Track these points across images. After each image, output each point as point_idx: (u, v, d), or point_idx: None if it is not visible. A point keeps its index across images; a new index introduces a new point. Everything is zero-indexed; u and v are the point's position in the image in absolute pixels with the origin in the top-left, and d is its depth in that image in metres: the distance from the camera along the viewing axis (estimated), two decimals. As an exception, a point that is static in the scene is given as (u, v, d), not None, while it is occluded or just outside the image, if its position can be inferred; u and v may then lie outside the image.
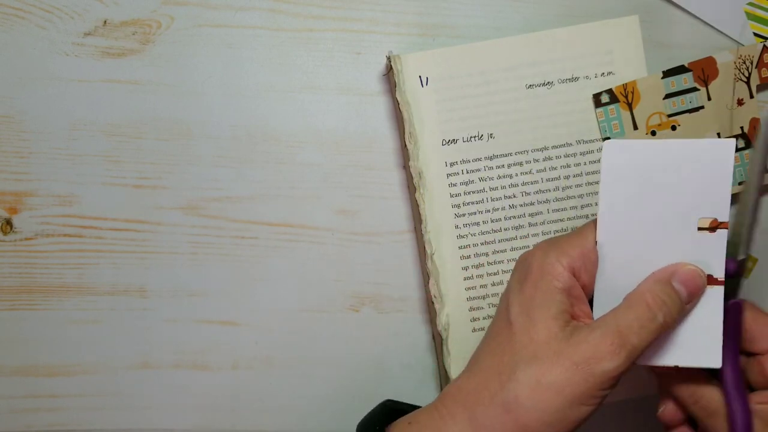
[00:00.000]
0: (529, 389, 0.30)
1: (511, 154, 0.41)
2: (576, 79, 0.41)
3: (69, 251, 0.41)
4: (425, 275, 0.42)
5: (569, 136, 0.41)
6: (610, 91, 0.42)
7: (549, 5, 0.45)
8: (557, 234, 0.41)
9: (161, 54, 0.42)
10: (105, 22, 0.42)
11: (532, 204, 0.41)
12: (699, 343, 0.32)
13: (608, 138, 0.42)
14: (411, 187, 0.42)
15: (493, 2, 0.44)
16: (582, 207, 0.41)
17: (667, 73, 0.42)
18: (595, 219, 0.32)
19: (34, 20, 0.42)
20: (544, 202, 0.41)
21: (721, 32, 0.43)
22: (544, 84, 0.41)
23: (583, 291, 0.32)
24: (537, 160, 0.41)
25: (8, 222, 0.41)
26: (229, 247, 0.42)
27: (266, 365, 0.43)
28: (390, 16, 0.44)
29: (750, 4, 0.43)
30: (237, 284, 0.42)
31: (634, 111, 0.42)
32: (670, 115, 0.42)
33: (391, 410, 0.35)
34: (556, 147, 0.41)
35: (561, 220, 0.41)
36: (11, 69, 0.42)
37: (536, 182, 0.41)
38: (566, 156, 0.41)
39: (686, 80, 0.42)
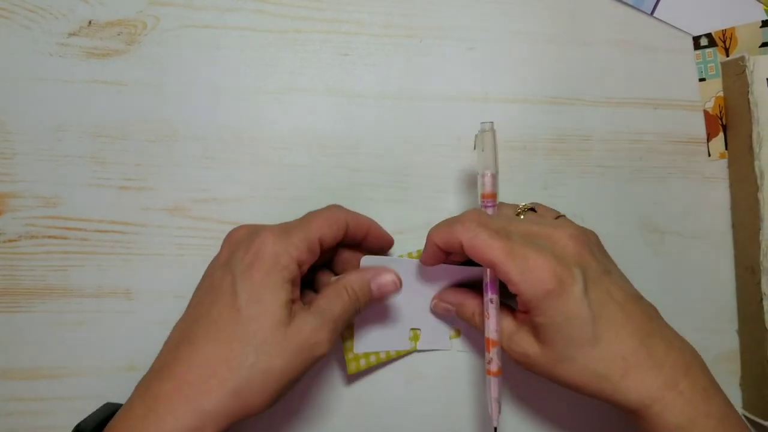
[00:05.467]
0: (261, 374, 0.32)
1: None
2: None
3: (53, 253, 0.41)
4: (743, 271, 0.43)
5: None
6: (709, 35, 0.44)
7: (535, 6, 0.45)
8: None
9: (147, 55, 0.42)
10: (90, 22, 0.42)
11: None
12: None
13: (703, 79, 0.45)
14: (739, 185, 0.44)
15: (479, 4, 0.45)
16: None
17: (766, 23, 0.44)
18: (323, 211, 0.37)
19: (17, 20, 0.42)
20: None
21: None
22: None
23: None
24: None
25: (-9, 224, 0.41)
26: (216, 249, 0.42)
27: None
28: (377, 17, 0.44)
29: None
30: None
31: (730, 56, 0.45)
32: None
33: (113, 413, 0.34)
34: None
35: None
36: (-5, 69, 0.41)
37: None
38: None
39: None
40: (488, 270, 0.37)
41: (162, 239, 0.42)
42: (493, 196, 0.37)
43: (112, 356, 0.41)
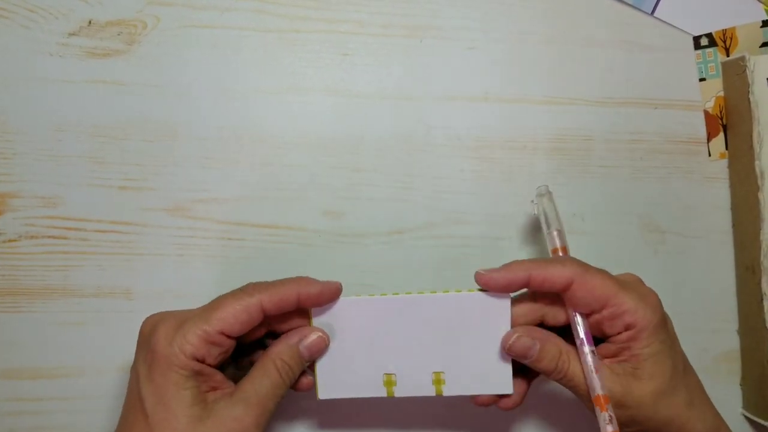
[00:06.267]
0: None
1: None
2: None
3: (53, 253, 0.41)
4: (743, 271, 0.42)
5: None
6: (709, 35, 0.44)
7: (536, 6, 0.45)
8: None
9: (147, 54, 0.42)
10: (90, 22, 0.42)
11: None
12: (492, 375, 0.36)
13: (704, 79, 0.45)
14: (739, 185, 0.44)
15: (480, 4, 0.45)
16: None
17: (766, 23, 0.44)
18: (230, 300, 0.33)
19: (17, 20, 0.42)
20: None
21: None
22: None
23: (211, 366, 0.33)
24: None
25: (-9, 224, 0.41)
26: (216, 249, 0.42)
27: (253, 367, 0.42)
28: (376, 17, 0.44)
29: None
30: (224, 286, 0.42)
31: (731, 56, 0.45)
32: None
33: None
34: None
35: None
36: (-6, 69, 0.41)
37: None
38: None
39: None
40: (580, 318, 0.35)
41: (162, 239, 0.42)
42: (564, 249, 0.38)
43: (112, 356, 0.41)
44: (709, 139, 0.46)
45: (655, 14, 0.45)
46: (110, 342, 0.41)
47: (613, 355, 0.35)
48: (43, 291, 0.41)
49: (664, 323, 0.35)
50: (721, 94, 0.45)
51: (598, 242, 0.44)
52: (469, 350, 0.36)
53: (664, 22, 0.45)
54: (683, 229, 0.45)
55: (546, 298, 0.36)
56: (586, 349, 0.35)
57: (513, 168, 0.44)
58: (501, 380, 0.36)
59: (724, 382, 0.44)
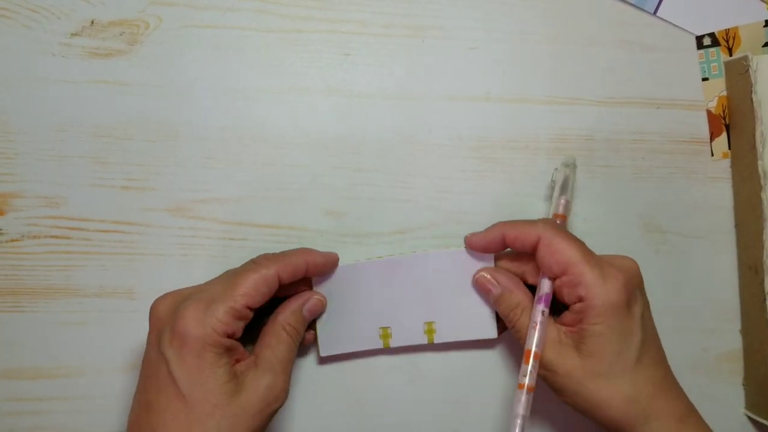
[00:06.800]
0: None
1: None
2: None
3: (56, 253, 0.41)
4: (746, 270, 0.43)
5: None
6: (712, 35, 0.44)
7: (538, 6, 0.45)
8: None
9: (149, 55, 0.42)
10: (92, 22, 0.42)
11: None
12: (477, 321, 0.40)
13: (707, 78, 0.45)
14: (742, 184, 0.44)
15: (482, 4, 0.45)
16: None
17: None
18: (248, 272, 0.35)
19: (20, 20, 0.42)
20: None
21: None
22: None
23: (237, 340, 0.35)
24: None
25: (-6, 223, 0.41)
26: (218, 249, 0.42)
27: (255, 367, 0.42)
28: (378, 17, 0.44)
29: None
30: (225, 286, 0.42)
31: (734, 55, 0.45)
32: None
33: None
34: None
35: None
36: (-3, 69, 0.41)
37: None
38: None
39: None
40: (546, 281, 0.36)
41: (164, 239, 0.42)
42: (564, 217, 0.40)
43: (114, 356, 0.41)
44: (711, 139, 0.45)
45: (658, 14, 0.45)
46: (112, 342, 0.41)
47: (569, 325, 0.36)
48: (45, 291, 0.41)
49: (625, 308, 0.34)
50: (724, 93, 0.45)
51: (600, 242, 0.44)
52: (457, 301, 0.40)
53: (667, 21, 0.45)
54: (685, 229, 0.45)
55: (526, 257, 0.38)
56: (539, 307, 0.36)
57: (515, 168, 0.44)
58: (486, 326, 0.40)
59: (726, 381, 0.44)
